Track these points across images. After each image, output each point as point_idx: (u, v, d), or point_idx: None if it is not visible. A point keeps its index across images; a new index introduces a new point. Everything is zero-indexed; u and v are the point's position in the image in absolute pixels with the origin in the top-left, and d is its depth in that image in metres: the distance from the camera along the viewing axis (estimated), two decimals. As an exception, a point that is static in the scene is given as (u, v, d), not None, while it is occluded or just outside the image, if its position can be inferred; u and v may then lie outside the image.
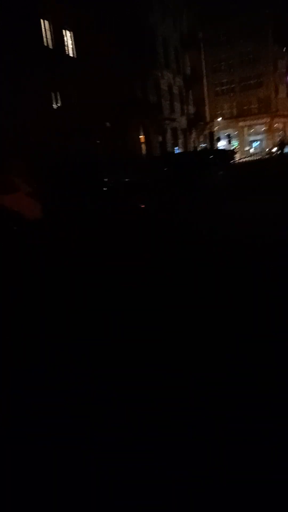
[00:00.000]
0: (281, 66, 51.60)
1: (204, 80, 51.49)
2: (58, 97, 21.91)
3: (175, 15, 37.85)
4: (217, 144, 46.76)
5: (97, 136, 24.07)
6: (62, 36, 22.34)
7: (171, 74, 37.46)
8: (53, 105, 21.58)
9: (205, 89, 52.37)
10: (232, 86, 53.70)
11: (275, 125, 52.10)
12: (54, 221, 8.96)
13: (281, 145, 31.22)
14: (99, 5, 23.66)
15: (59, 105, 21.85)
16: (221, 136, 49.25)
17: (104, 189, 13.50)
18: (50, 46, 21.44)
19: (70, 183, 12.60)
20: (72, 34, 22.99)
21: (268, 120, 52.22)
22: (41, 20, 20.63)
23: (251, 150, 46.88)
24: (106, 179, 14.14)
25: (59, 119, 21.29)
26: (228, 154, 24.74)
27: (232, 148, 42.44)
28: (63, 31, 22.33)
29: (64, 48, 22.63)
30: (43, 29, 20.82)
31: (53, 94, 21.47)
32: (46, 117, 20.25)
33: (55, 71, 20.62)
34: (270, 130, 51.61)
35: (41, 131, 19.60)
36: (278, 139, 36.90)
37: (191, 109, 43.66)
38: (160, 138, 34.07)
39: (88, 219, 10.00)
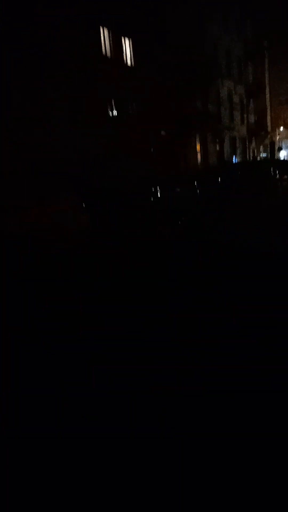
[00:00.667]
0: None
1: (267, 89, 50.01)
2: (116, 106, 21.86)
3: (239, 24, 36.95)
4: (278, 154, 44.98)
5: (153, 145, 23.79)
6: (121, 45, 22.32)
7: (232, 83, 36.52)
8: (110, 114, 21.53)
9: (268, 98, 50.83)
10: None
11: None
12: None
13: None
14: (160, 13, 23.48)
15: (115, 114, 21.77)
16: (284, 146, 47.28)
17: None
18: (109, 55, 21.46)
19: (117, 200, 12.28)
20: (130, 42, 22.92)
21: None
22: (101, 28, 20.65)
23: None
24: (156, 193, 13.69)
25: (116, 128, 21.24)
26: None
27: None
28: (122, 38, 22.30)
29: (123, 57, 22.60)
30: (102, 37, 20.86)
31: (110, 104, 21.44)
32: (103, 127, 20.26)
33: (113, 81, 20.61)
34: None
35: (98, 140, 19.62)
36: None
37: (252, 118, 42.33)
38: (218, 147, 33.20)
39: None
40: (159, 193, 13.66)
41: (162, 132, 25.25)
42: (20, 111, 15.42)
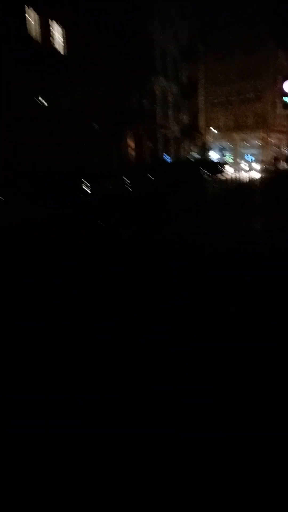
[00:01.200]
0: (280, 81, 51.43)
1: (201, 91, 51.11)
2: (47, 95, 20.89)
3: (175, 24, 37.24)
4: (208, 154, 46.18)
5: (86, 139, 23.13)
6: (52, 31, 21.36)
7: (167, 82, 36.75)
8: (39, 103, 20.53)
9: (202, 100, 51.98)
10: (230, 98, 53.31)
11: (271, 140, 51.77)
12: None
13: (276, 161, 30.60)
14: (97, 6, 22.83)
15: (46, 104, 20.81)
16: (216, 147, 48.65)
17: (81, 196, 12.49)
18: (38, 40, 20.41)
19: (44, 188, 11.66)
20: (64, 31, 22.04)
21: (264, 135, 51.91)
22: (26, 7, 19.47)
23: (243, 165, 45.73)
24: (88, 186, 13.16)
25: (46, 119, 20.33)
26: (216, 165, 23.86)
27: (221, 160, 41.84)
28: (53, 24, 21.35)
29: (54, 44, 21.66)
30: (28, 19, 19.75)
31: (40, 92, 20.42)
32: (32, 117, 19.26)
33: (43, 66, 19.65)
34: (265, 145, 51.23)
35: (26, 131, 18.59)
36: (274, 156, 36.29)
37: (186, 119, 43.03)
38: (151, 145, 33.24)
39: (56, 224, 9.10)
40: (89, 189, 13.18)
41: (95, 126, 24.67)
42: None
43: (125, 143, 28.77)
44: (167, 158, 35.48)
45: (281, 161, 30.83)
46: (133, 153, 30.25)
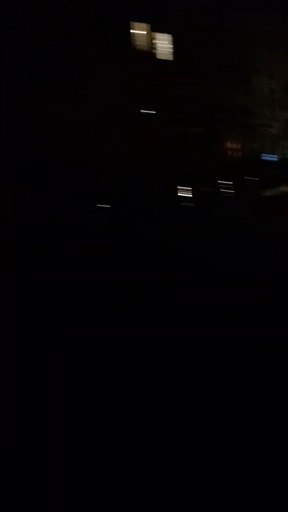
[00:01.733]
0: None
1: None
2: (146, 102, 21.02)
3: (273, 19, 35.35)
4: None
5: (180, 144, 22.82)
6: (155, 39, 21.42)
7: (268, 77, 35.02)
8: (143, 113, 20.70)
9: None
10: None
11: None
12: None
13: None
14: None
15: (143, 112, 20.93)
16: None
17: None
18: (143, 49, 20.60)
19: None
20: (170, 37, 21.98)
21: None
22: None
23: None
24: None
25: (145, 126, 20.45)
26: None
27: None
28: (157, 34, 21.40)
29: (157, 52, 21.71)
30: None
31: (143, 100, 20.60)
32: (136, 127, 19.48)
33: (148, 74, 19.78)
34: None
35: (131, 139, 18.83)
36: None
37: (289, 115, 40.59)
38: (252, 145, 31.86)
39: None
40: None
41: (193, 129, 24.22)
42: None
43: (221, 143, 27.93)
44: (270, 158, 33.69)
45: None
46: (230, 153, 29.24)
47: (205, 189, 13.54)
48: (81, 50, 10.21)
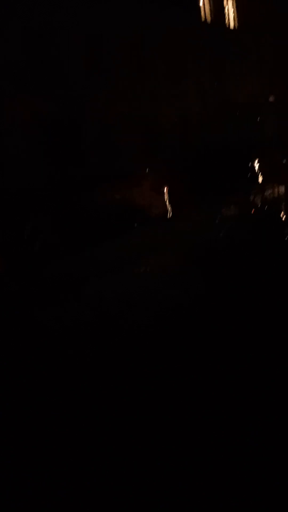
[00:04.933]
0: None
1: None
2: (216, 73, 20.59)
3: None
4: None
5: (259, 113, 22.04)
6: (223, 8, 20.75)
7: None
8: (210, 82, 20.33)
9: None
10: None
11: None
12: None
13: None
14: None
15: (216, 82, 20.50)
16: None
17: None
18: (209, 20, 20.13)
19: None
20: (234, 3, 21.18)
21: None
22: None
23: None
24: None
25: (218, 97, 20.06)
26: None
27: None
28: (224, 2, 20.71)
29: (225, 21, 21.04)
30: (201, 3, 19.60)
31: (210, 72, 20.22)
32: (203, 97, 19.29)
33: (214, 45, 19.36)
34: None
35: (196, 113, 18.78)
36: None
37: None
38: None
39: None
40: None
41: (271, 98, 23.22)
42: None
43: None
44: None
45: None
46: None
47: None
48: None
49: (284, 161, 12.52)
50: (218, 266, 4.60)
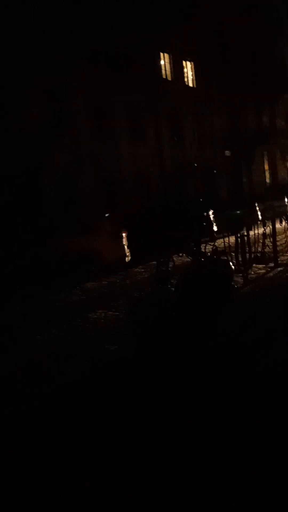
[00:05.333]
0: None
1: None
2: (177, 127, 21.45)
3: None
4: None
5: (215, 166, 23.01)
6: (182, 68, 22.02)
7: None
8: (172, 136, 21.11)
9: None
10: None
11: None
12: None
13: None
14: (224, 33, 22.88)
15: (176, 137, 21.33)
16: None
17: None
18: (169, 78, 21.22)
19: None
20: (192, 65, 22.55)
21: None
22: (161, 54, 20.57)
23: None
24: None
25: (177, 151, 20.81)
26: None
27: None
28: (183, 62, 22.02)
29: (184, 79, 22.26)
30: (162, 62, 20.73)
31: (170, 126, 21.04)
32: (164, 150, 19.96)
33: (172, 101, 20.29)
34: None
35: (158, 162, 19.35)
36: None
37: None
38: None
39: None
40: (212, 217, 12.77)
41: (227, 153, 24.36)
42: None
43: (258, 167, 27.76)
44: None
45: None
46: (267, 175, 29.00)
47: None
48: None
49: (234, 214, 13.13)
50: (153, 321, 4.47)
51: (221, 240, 7.49)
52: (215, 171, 22.62)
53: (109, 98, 16.84)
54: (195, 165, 20.45)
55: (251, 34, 24.58)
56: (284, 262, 8.34)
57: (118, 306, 6.24)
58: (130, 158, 17.87)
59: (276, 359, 3.77)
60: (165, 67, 21.02)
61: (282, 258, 8.53)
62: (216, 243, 6.72)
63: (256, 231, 8.25)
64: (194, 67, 22.72)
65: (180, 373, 3.68)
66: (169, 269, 5.23)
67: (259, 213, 14.90)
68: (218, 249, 6.24)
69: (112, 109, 17.10)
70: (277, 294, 6.12)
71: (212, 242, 6.02)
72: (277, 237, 8.53)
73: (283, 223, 9.36)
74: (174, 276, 5.30)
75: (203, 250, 5.94)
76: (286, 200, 18.77)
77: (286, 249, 9.14)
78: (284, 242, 9.12)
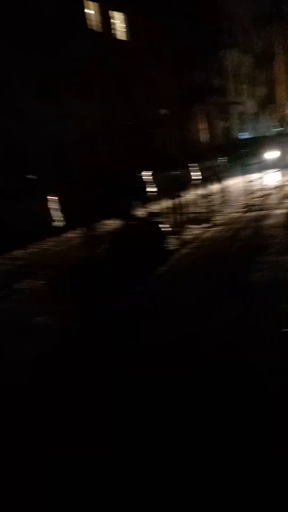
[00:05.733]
0: None
1: (278, 59, 47.63)
2: (106, 83, 20.41)
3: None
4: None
5: (155, 125, 22.41)
6: (110, 19, 20.73)
7: (238, 54, 34.47)
8: (99, 92, 20.09)
9: (278, 68, 48.48)
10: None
11: None
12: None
13: None
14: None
15: (105, 92, 20.34)
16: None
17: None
18: (96, 29, 19.93)
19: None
20: (122, 16, 21.32)
21: None
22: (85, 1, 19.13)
23: None
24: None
25: (107, 108, 19.91)
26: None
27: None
28: (111, 12, 20.74)
29: (113, 31, 21.03)
30: (87, 11, 19.34)
31: (100, 81, 19.98)
32: (91, 106, 18.99)
33: (102, 55, 19.17)
34: None
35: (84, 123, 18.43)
36: None
37: (261, 91, 40.19)
38: (225, 124, 31.48)
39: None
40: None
41: (163, 111, 23.76)
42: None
43: (196, 125, 27.50)
44: (244, 135, 33.47)
45: None
46: (205, 134, 28.88)
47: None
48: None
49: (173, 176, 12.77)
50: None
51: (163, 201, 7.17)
52: (151, 131, 22.06)
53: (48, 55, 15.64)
54: (131, 123, 19.77)
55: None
56: (219, 222, 8.23)
57: (46, 275, 5.86)
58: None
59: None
60: (91, 16, 19.67)
61: (217, 218, 8.42)
62: (152, 205, 6.42)
63: (194, 192, 8.05)
64: (125, 18, 21.53)
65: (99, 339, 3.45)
66: (97, 233, 4.86)
67: (198, 172, 14.71)
68: (153, 211, 5.96)
69: (53, 66, 15.96)
70: (208, 252, 6.00)
71: (144, 204, 5.66)
72: (213, 197, 8.37)
73: (219, 182, 9.20)
74: (103, 241, 4.96)
75: (137, 213, 5.62)
76: (224, 158, 18.74)
77: (221, 208, 9.05)
78: (220, 202, 9.01)
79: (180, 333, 3.46)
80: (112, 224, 6.18)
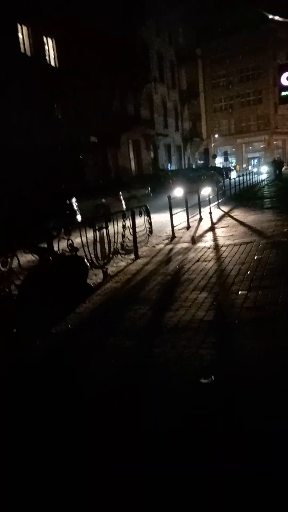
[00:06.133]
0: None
1: (202, 96, 50.45)
2: (38, 108, 20.11)
3: (171, 29, 36.52)
4: (214, 161, 45.20)
5: (81, 151, 22.32)
6: (43, 44, 20.66)
7: (165, 88, 35.99)
8: (30, 116, 19.74)
9: (203, 104, 51.31)
10: (231, 102, 52.56)
11: (274, 142, 50.76)
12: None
13: (276, 166, 29.11)
14: (88, 14, 22.11)
15: (37, 117, 20.02)
16: (219, 153, 47.66)
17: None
18: (29, 54, 19.73)
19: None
20: (54, 42, 21.34)
21: (267, 137, 50.97)
22: (18, 25, 18.94)
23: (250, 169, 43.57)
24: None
25: (37, 132, 19.55)
26: (221, 172, 23.14)
27: (229, 165, 40.86)
28: (44, 38, 20.68)
29: (45, 57, 20.95)
30: (20, 35, 19.12)
31: (32, 105, 19.65)
32: (22, 130, 18.52)
33: (34, 81, 18.91)
34: (269, 148, 50.21)
35: (19, 144, 17.86)
36: (272, 159, 34.74)
37: (187, 125, 42.19)
38: (152, 155, 32.37)
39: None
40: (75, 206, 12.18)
41: (92, 138, 23.87)
42: None
43: (124, 153, 27.93)
44: (170, 167, 34.60)
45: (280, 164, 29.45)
46: (133, 164, 29.39)
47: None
48: None
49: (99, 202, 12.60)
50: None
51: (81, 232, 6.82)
52: (80, 157, 21.95)
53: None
54: (59, 148, 19.51)
55: (115, 21, 24.33)
56: (144, 253, 8.19)
57: None
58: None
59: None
60: (23, 41, 19.46)
61: (141, 250, 8.38)
62: (74, 235, 6.11)
63: (118, 222, 7.88)
64: (56, 45, 21.56)
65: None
66: (12, 269, 4.45)
67: (123, 202, 14.71)
68: (74, 243, 5.65)
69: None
70: (133, 287, 5.86)
71: (65, 233, 5.27)
72: (137, 228, 8.32)
73: (143, 215, 9.18)
74: (19, 277, 4.60)
75: (57, 243, 5.28)
76: (149, 189, 19.05)
77: (146, 240, 9.05)
78: (144, 233, 9.00)
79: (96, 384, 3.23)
80: (27, 257, 5.73)
